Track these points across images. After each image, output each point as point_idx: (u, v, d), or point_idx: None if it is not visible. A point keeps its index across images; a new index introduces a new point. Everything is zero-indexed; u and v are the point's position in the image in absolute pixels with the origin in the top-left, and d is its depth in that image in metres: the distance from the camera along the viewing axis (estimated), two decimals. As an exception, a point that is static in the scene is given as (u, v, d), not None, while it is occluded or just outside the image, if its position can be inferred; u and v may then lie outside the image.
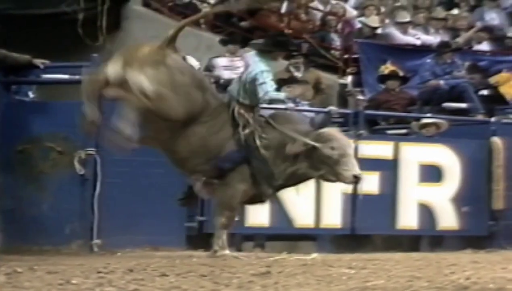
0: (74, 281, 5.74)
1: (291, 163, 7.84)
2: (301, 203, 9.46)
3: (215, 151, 7.79)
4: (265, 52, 8.02)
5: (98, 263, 6.84)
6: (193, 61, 8.05)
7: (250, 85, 7.87)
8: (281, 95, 8.23)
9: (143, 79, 7.50)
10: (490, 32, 13.14)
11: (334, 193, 9.61)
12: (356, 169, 7.84)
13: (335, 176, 7.87)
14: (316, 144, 7.74)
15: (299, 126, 7.99)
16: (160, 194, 8.47)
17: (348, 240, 9.46)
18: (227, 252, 7.80)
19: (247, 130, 7.82)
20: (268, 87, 7.84)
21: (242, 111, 7.88)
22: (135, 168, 8.34)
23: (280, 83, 10.75)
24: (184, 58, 7.88)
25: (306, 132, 7.91)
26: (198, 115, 7.72)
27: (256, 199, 8.01)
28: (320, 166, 7.83)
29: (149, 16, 12.95)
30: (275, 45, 8.17)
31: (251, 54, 8.10)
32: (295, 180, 7.95)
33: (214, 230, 7.90)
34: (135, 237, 8.44)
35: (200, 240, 8.69)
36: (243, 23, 12.98)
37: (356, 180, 7.86)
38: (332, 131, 8.01)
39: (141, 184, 8.56)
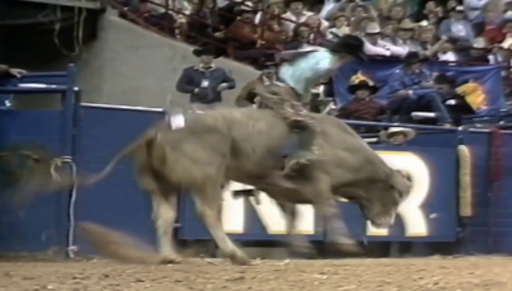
0: (50, 287, 5.70)
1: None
2: (275, 210, 9.45)
3: (278, 146, 7.69)
4: (335, 52, 7.99)
5: (74, 269, 6.80)
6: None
7: (313, 77, 7.89)
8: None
9: None
10: (456, 43, 13.24)
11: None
12: (390, 221, 7.95)
13: (378, 218, 7.93)
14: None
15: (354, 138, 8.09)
16: (136, 201, 8.42)
17: (321, 246, 9.44)
18: (349, 241, 7.81)
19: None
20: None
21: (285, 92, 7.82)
22: (110, 175, 8.30)
23: (254, 93, 10.76)
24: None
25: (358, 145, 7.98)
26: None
27: None
28: (379, 202, 7.89)
29: (125, 26, 12.91)
30: (346, 47, 8.10)
31: (323, 49, 8.11)
32: (343, 193, 7.98)
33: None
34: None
35: (176, 246, 8.65)
36: (217, 34, 12.97)
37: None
38: (409, 183, 8.09)
39: (117, 191, 8.51)
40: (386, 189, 7.88)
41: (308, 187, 7.74)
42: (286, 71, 7.94)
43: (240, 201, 9.18)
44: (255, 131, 7.63)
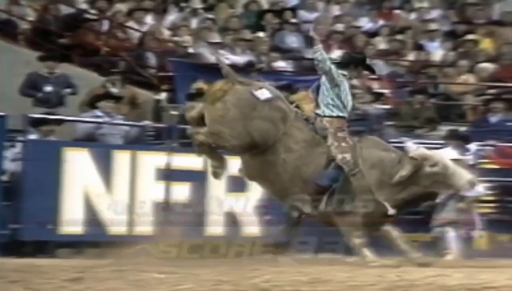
0: None
1: (399, 188, 7.78)
2: (114, 211, 9.40)
3: (310, 172, 7.71)
4: (345, 68, 8.04)
5: None
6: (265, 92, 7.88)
7: (330, 89, 7.87)
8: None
9: (205, 118, 7.71)
10: (290, 54, 13.50)
11: (146, 201, 9.61)
12: (466, 175, 7.84)
13: (451, 188, 7.92)
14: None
15: (391, 153, 7.96)
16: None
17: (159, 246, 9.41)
18: (383, 261, 7.70)
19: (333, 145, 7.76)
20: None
21: (327, 125, 7.84)
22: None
23: (96, 98, 10.65)
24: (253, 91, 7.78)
25: (400, 158, 7.87)
26: (278, 143, 7.69)
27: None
28: (432, 184, 7.81)
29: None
30: (353, 62, 8.13)
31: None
32: (416, 201, 7.93)
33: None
34: None
35: (13, 247, 8.47)
36: (61, 40, 12.76)
37: (472, 184, 7.88)
38: (420, 152, 7.94)
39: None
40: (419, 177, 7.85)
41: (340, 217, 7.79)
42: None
43: (79, 203, 9.10)
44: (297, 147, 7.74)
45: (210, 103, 7.77)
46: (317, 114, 8.04)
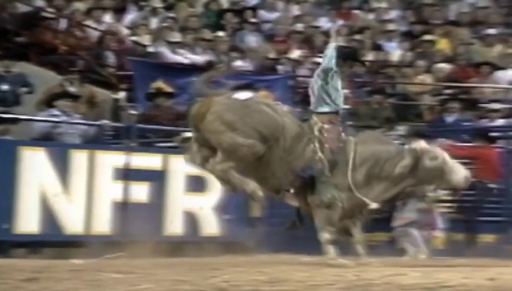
0: None
1: (396, 181, 7.76)
2: (71, 210, 9.32)
3: (298, 164, 7.68)
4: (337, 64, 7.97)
5: None
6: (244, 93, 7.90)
7: (325, 85, 7.86)
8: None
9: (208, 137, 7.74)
10: (250, 53, 13.49)
11: (104, 201, 9.55)
12: (462, 171, 7.81)
13: (447, 184, 7.88)
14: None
15: (390, 146, 7.93)
16: None
17: (118, 246, 9.35)
18: (341, 260, 7.65)
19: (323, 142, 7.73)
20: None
21: (317, 120, 7.80)
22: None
23: (53, 97, 10.55)
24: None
25: (399, 151, 7.83)
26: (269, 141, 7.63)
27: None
28: (429, 179, 7.81)
29: None
30: (344, 56, 8.08)
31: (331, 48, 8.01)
32: (405, 196, 8.03)
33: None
34: None
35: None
36: (18, 39, 12.62)
37: (467, 180, 7.86)
38: (420, 145, 7.90)
39: None
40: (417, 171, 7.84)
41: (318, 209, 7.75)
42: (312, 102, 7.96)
43: (36, 202, 9.01)
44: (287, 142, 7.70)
45: (200, 122, 7.70)
46: (309, 110, 8.06)
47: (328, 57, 7.97)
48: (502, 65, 13.70)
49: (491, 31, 14.55)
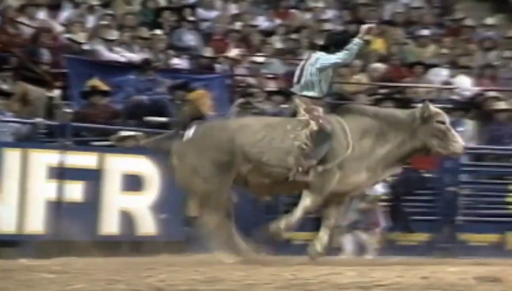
0: None
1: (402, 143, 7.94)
2: (4, 210, 9.19)
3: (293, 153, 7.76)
4: (325, 50, 8.09)
5: None
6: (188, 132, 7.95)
7: (322, 72, 7.92)
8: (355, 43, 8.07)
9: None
10: (187, 52, 13.43)
11: (38, 200, 9.42)
12: (461, 141, 8.00)
13: (445, 149, 8.00)
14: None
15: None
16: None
17: (52, 245, 9.24)
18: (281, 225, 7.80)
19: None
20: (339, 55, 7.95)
21: (301, 103, 7.88)
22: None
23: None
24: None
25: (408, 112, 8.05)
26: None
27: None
28: (430, 139, 7.96)
29: None
30: (333, 44, 8.16)
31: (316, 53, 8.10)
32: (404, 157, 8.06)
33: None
34: None
35: None
36: None
37: (463, 150, 8.13)
38: (433, 106, 8.09)
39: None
40: (424, 124, 8.03)
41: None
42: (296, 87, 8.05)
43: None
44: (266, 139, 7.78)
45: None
46: (293, 93, 8.17)
47: (348, 52, 8.06)
48: (435, 65, 13.87)
49: (425, 31, 14.72)
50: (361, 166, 7.94)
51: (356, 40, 8.14)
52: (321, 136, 7.88)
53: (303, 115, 7.99)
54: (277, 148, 7.86)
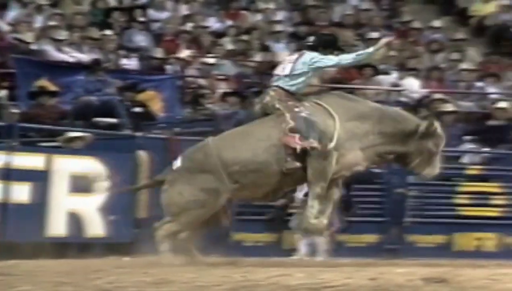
0: None
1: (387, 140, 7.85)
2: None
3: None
4: (314, 50, 8.02)
5: None
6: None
7: (316, 71, 7.97)
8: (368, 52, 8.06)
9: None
10: (137, 52, 13.37)
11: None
12: (437, 168, 7.94)
13: (422, 169, 7.92)
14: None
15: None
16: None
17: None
18: (324, 221, 7.74)
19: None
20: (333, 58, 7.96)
21: (276, 95, 7.87)
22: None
23: None
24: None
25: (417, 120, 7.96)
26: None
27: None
28: (416, 155, 7.87)
29: None
30: (322, 44, 8.13)
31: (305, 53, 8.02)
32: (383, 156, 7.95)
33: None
34: None
35: None
36: None
37: (432, 177, 8.04)
38: (439, 126, 7.98)
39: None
40: (421, 139, 7.90)
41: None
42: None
43: None
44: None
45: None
46: (271, 85, 8.11)
47: (355, 58, 8.05)
48: (384, 68, 13.97)
49: (374, 34, 14.81)
50: (354, 145, 7.84)
51: (371, 49, 8.13)
52: (307, 120, 7.81)
53: (277, 108, 7.92)
54: (263, 154, 7.78)
